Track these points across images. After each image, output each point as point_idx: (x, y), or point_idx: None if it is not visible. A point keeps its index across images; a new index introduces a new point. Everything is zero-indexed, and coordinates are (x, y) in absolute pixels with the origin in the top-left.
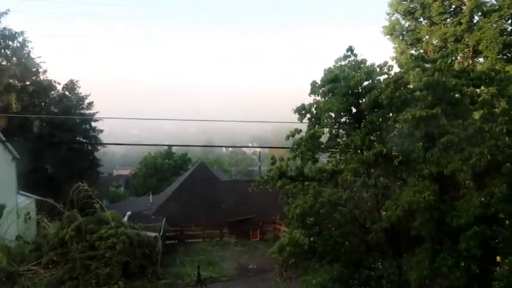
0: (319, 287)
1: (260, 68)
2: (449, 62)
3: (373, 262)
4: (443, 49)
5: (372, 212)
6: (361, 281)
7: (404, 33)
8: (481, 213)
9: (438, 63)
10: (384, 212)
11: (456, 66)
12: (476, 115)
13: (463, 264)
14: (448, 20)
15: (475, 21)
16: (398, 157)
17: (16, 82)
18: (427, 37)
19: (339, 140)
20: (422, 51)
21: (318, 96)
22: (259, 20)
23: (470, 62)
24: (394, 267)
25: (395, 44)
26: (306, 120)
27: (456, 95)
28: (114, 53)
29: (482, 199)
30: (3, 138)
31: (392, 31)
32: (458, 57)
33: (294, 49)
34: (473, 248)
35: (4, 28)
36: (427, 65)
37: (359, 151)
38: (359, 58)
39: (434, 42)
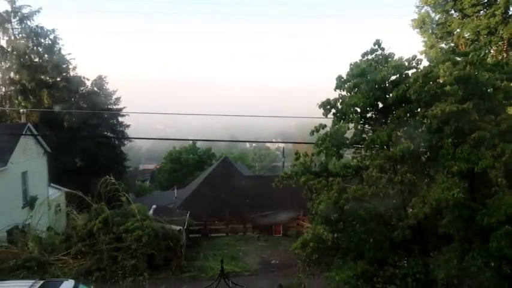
0: (342, 284)
1: (284, 62)
2: (482, 55)
3: (399, 260)
4: (476, 42)
5: (398, 209)
6: (385, 279)
7: (434, 26)
8: None
9: (470, 56)
10: (411, 209)
11: (489, 60)
12: (510, 110)
13: (493, 264)
14: (481, 12)
15: (510, 12)
16: (426, 153)
17: (47, 78)
18: (458, 30)
19: (364, 135)
20: (453, 44)
21: (343, 91)
22: (284, 14)
23: (505, 56)
24: (421, 266)
25: (424, 37)
26: (330, 115)
27: (489, 90)
28: (139, 49)
29: None
30: (36, 132)
31: (421, 24)
32: (492, 51)
33: (319, 43)
34: (505, 247)
35: (37, 26)
36: (458, 59)
37: (385, 147)
38: (386, 52)
39: (466, 35)
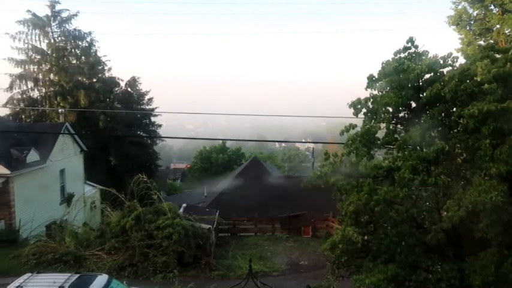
0: (372, 287)
1: (316, 61)
2: None
3: (432, 264)
4: None
5: (431, 211)
6: (418, 284)
7: (472, 22)
8: None
9: (510, 53)
10: (445, 212)
11: None
12: None
13: None
14: None
15: None
16: (461, 155)
17: (84, 79)
18: (498, 26)
19: (396, 135)
20: (492, 41)
21: (374, 90)
22: (315, 11)
23: None
24: (455, 271)
25: (461, 34)
26: (361, 115)
27: None
28: (169, 49)
29: None
30: (73, 131)
31: (458, 21)
32: None
33: (352, 41)
34: None
35: (74, 29)
36: (497, 55)
37: (418, 147)
38: (420, 50)
39: (507, 31)
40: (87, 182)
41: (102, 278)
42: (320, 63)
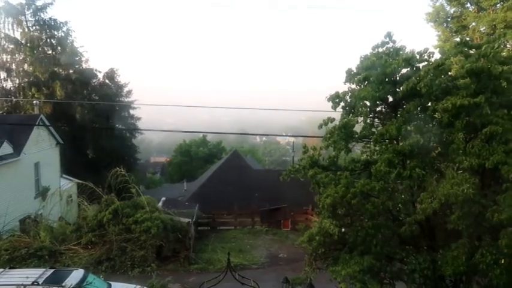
0: (348, 278)
1: (297, 56)
2: (495, 47)
3: (406, 256)
4: (492, 37)
5: (406, 204)
6: (392, 274)
7: (449, 20)
8: None
9: (483, 49)
10: (419, 205)
11: (505, 54)
12: None
13: (503, 261)
14: (498, 5)
15: None
16: (436, 148)
17: (60, 70)
18: (474, 24)
19: (373, 129)
20: (468, 38)
21: (353, 84)
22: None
23: None
24: (428, 262)
25: (438, 31)
26: (340, 109)
27: (502, 83)
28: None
29: None
30: (48, 124)
31: (436, 18)
32: (508, 45)
33: (329, 36)
34: None
35: (50, 18)
36: (471, 51)
37: (394, 141)
38: (398, 45)
39: (482, 29)
40: (64, 175)
41: (77, 273)
42: (302, 58)
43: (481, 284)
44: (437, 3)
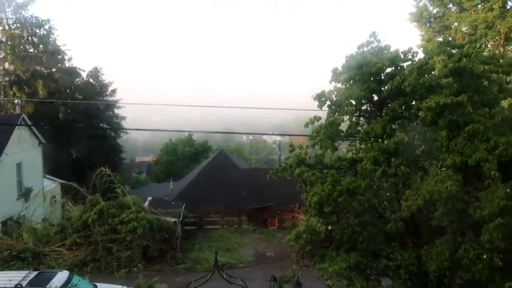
0: (335, 275)
1: (285, 55)
2: (477, 47)
3: (392, 252)
4: (473, 37)
5: (392, 201)
6: (378, 271)
7: (432, 20)
8: (506, 204)
9: (465, 48)
10: (404, 202)
11: (486, 53)
12: (505, 103)
13: (485, 256)
14: (479, 5)
15: (508, 7)
16: (420, 146)
17: (42, 69)
18: (456, 24)
19: (359, 128)
20: (450, 38)
21: (338, 83)
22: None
23: (502, 50)
24: (413, 258)
25: (422, 31)
26: (326, 107)
27: (484, 82)
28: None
29: (508, 190)
30: (30, 123)
31: (419, 18)
32: (489, 45)
33: (319, 35)
34: (497, 240)
35: (31, 16)
36: (453, 51)
37: (379, 139)
38: (382, 44)
39: (464, 29)
40: (47, 176)
41: (62, 275)
42: (290, 57)
43: (464, 278)
44: (421, 4)
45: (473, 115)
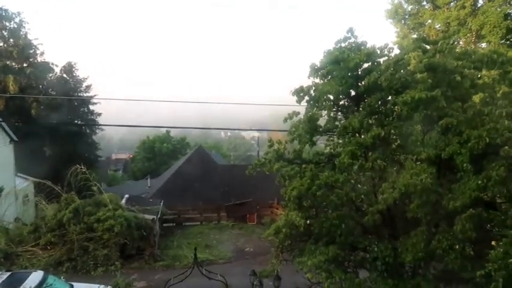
0: (314, 268)
1: (262, 50)
2: (450, 43)
3: (369, 244)
4: (446, 33)
5: (369, 194)
6: (356, 263)
7: (407, 17)
8: (477, 196)
9: (439, 44)
10: (381, 195)
11: (459, 50)
12: (477, 98)
13: (457, 246)
14: (452, 3)
15: (479, 5)
16: (396, 140)
17: (13, 64)
18: (429, 21)
19: (337, 123)
20: (424, 35)
21: (317, 78)
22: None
23: (473, 47)
24: (389, 250)
25: (397, 28)
26: (304, 102)
27: (457, 78)
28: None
29: (479, 182)
30: (0, 120)
31: (394, 15)
32: (461, 42)
33: (295, 32)
34: (469, 230)
35: (0, 8)
36: (428, 47)
37: (357, 134)
38: (359, 40)
39: (437, 26)
40: (19, 174)
41: (37, 275)
42: (266, 52)
43: (438, 268)
44: (396, 1)
45: (447, 109)
